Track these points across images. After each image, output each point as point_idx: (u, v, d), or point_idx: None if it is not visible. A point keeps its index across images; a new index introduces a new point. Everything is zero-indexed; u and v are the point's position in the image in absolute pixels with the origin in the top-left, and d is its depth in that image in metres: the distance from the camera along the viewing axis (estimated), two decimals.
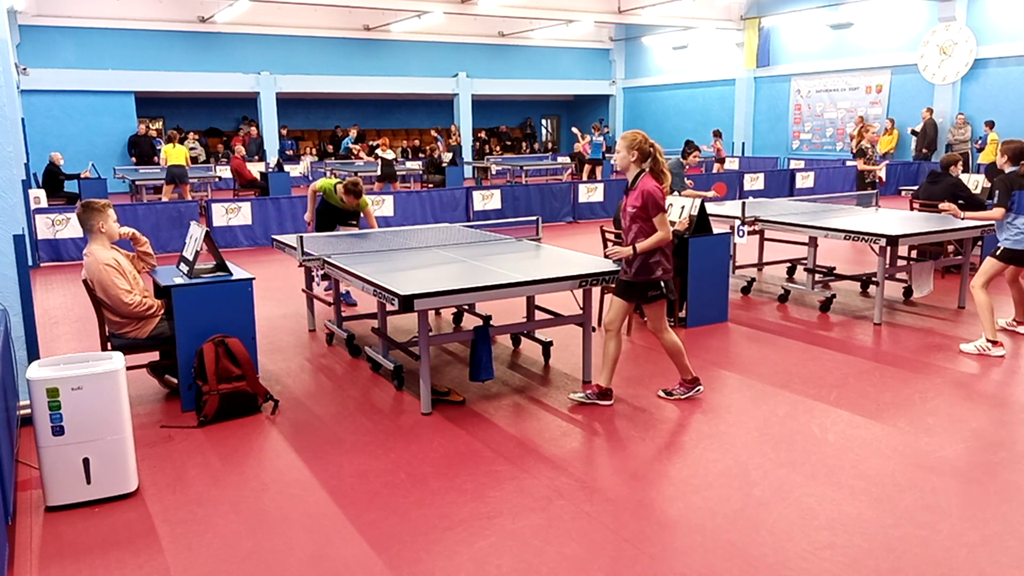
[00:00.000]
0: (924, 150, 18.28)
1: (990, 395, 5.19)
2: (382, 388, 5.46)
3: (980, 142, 17.57)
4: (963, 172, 9.23)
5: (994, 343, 5.93)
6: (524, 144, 28.90)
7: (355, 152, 20.81)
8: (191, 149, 21.50)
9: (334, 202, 7.50)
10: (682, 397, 5.12)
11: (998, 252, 6.02)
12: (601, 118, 26.05)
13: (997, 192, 6.04)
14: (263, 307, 7.06)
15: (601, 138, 21.03)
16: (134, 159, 19.91)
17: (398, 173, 17.90)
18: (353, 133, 22.98)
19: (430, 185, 17.40)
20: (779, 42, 22.20)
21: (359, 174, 15.64)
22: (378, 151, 17.72)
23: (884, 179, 11.81)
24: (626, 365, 5.87)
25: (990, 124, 17.40)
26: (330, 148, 24.46)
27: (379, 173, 17.05)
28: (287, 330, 7.01)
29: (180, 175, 14.93)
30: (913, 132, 18.56)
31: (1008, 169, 6.02)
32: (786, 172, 17.34)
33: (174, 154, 14.93)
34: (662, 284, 4.84)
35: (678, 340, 5.05)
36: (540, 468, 4.12)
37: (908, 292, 7.81)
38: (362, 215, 7.69)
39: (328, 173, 19.04)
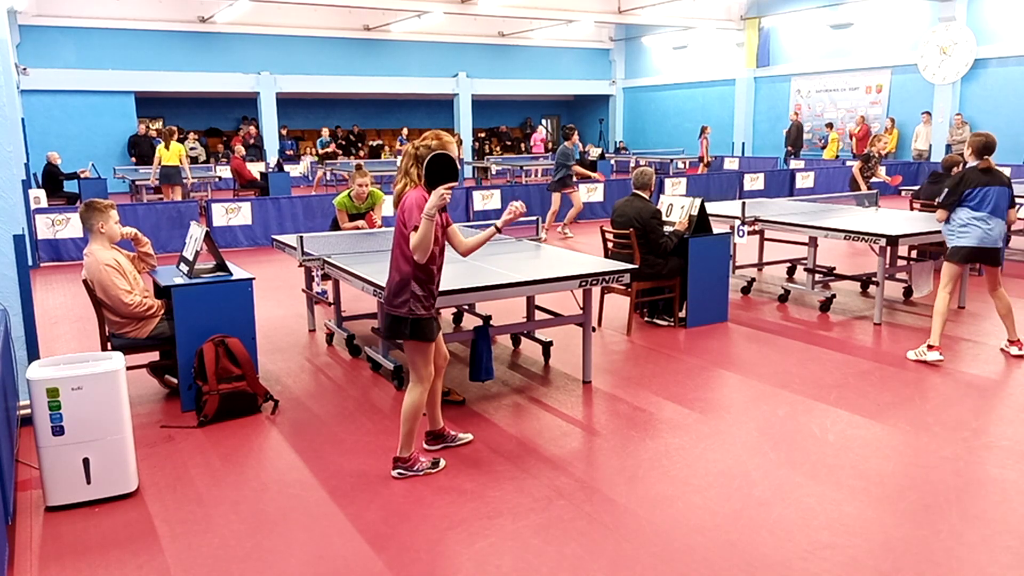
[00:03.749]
0: (789, 148, 19.86)
1: (990, 395, 5.19)
2: (382, 388, 5.46)
3: (822, 141, 18.09)
4: None
5: (930, 347, 5.78)
6: (524, 144, 28.90)
7: (332, 148, 20.58)
8: (191, 149, 21.52)
9: (352, 210, 7.45)
10: (413, 474, 4.04)
11: (949, 252, 5.76)
12: (572, 121, 25.97)
13: (946, 190, 5.77)
14: (263, 307, 7.05)
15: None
16: (134, 159, 19.91)
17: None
18: (325, 132, 22.41)
19: None
20: (779, 42, 22.19)
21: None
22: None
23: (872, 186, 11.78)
24: (626, 365, 5.87)
25: (830, 125, 19.02)
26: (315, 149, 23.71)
27: None
28: (287, 330, 7.01)
29: (169, 175, 14.37)
30: (787, 133, 20.18)
31: (972, 162, 5.80)
32: (786, 172, 17.34)
33: (167, 155, 14.37)
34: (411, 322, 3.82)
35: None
36: (540, 468, 4.13)
37: (908, 292, 7.81)
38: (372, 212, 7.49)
39: (328, 174, 19.07)
